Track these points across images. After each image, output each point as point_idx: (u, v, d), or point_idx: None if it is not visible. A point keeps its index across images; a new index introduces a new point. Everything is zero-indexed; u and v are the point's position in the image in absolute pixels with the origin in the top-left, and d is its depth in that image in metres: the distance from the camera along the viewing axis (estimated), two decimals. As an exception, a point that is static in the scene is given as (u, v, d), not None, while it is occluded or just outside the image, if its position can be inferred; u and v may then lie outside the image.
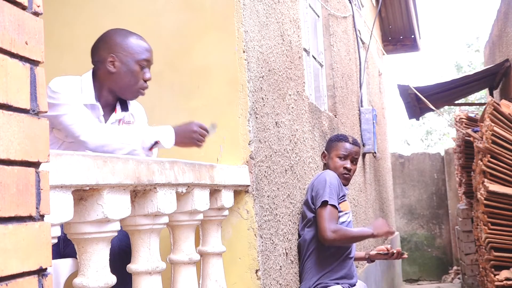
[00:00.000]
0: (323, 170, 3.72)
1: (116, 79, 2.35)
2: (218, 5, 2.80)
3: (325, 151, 3.64)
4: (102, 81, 2.38)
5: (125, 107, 2.44)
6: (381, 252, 3.61)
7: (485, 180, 5.27)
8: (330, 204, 3.26)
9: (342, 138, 3.60)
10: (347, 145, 3.54)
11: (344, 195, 3.44)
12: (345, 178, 3.52)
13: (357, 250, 3.90)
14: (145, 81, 2.37)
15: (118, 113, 2.41)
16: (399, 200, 11.96)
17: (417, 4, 9.78)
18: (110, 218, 1.70)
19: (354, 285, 3.40)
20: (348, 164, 3.52)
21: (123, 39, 2.38)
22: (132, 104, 2.51)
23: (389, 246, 3.62)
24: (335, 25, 5.34)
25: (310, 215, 3.34)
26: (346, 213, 3.44)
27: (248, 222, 2.68)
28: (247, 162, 2.70)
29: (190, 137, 2.29)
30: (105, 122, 2.37)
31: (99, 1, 3.05)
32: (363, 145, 6.20)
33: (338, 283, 3.29)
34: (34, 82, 1.07)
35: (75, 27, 3.06)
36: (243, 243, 2.68)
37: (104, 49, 2.38)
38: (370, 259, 3.72)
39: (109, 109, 2.41)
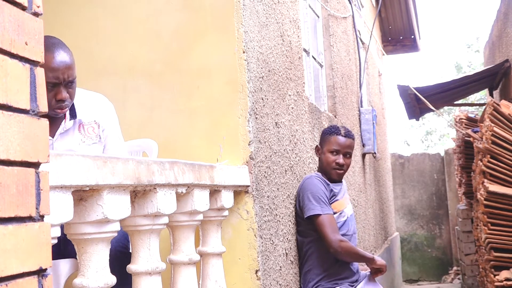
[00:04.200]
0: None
1: None
2: (218, 5, 2.80)
3: (318, 145, 3.51)
4: None
5: (73, 114, 2.38)
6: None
7: (485, 180, 5.27)
8: (325, 214, 3.20)
9: (334, 131, 3.42)
10: (340, 138, 3.38)
11: (334, 195, 3.35)
12: (338, 174, 3.39)
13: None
14: (59, 100, 2.23)
15: (67, 122, 2.37)
16: (399, 201, 11.96)
17: (417, 4, 9.78)
18: (110, 218, 1.70)
19: (357, 280, 3.35)
20: (340, 159, 3.37)
21: None
22: (95, 107, 2.44)
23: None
24: (335, 25, 5.34)
25: (302, 222, 3.31)
26: (340, 213, 3.37)
27: (248, 223, 2.68)
28: (247, 162, 2.70)
29: None
30: (54, 135, 2.33)
31: (99, 1, 3.05)
32: (363, 145, 6.20)
33: (337, 284, 3.27)
34: (34, 82, 1.07)
35: (75, 28, 3.05)
36: (243, 244, 2.68)
37: None
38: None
39: (60, 120, 2.36)
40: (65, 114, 2.36)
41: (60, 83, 2.21)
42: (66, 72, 2.21)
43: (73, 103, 2.37)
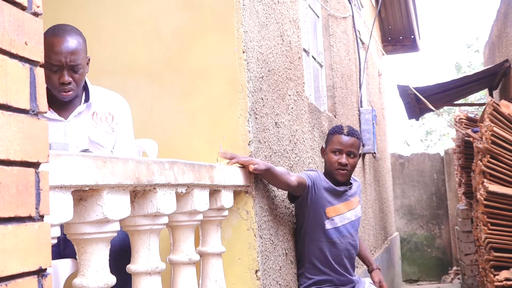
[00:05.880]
0: None
1: None
2: (218, 5, 2.80)
3: (323, 146, 3.41)
4: None
5: (86, 98, 2.50)
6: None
7: (485, 180, 5.27)
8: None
9: (336, 130, 3.29)
10: (342, 137, 3.24)
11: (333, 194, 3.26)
12: (341, 174, 3.24)
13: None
14: (62, 83, 2.35)
15: (81, 105, 2.48)
16: (399, 201, 11.96)
17: (417, 4, 9.79)
18: (109, 218, 1.70)
19: (347, 284, 3.29)
20: (343, 159, 3.22)
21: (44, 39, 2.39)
22: (111, 102, 2.55)
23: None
24: (335, 25, 5.34)
25: (297, 225, 3.30)
26: (332, 220, 3.24)
27: (248, 223, 2.68)
28: (247, 162, 2.70)
29: None
30: (67, 117, 2.44)
31: (99, 1, 3.05)
32: (363, 145, 6.19)
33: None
34: (33, 82, 1.07)
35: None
36: (243, 244, 2.68)
37: None
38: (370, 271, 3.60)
39: (75, 105, 2.47)
40: (80, 100, 2.47)
41: (63, 66, 2.33)
42: (69, 56, 2.34)
43: (87, 89, 2.49)
